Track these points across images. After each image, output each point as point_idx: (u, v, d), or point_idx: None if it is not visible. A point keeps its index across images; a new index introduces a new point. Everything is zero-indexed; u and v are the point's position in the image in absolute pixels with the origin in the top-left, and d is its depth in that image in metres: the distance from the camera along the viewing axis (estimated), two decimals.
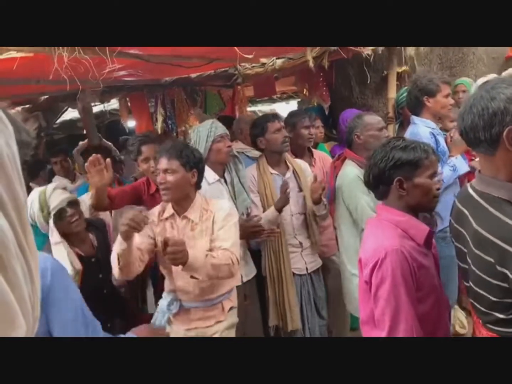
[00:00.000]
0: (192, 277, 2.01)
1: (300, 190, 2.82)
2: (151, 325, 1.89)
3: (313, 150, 3.29)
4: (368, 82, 3.77)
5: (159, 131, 4.68)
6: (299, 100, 6.54)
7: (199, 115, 5.02)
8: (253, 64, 4.02)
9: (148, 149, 2.85)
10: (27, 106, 4.85)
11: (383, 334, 1.45)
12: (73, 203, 2.28)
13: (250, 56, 2.29)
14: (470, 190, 1.36)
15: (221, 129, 2.63)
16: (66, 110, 5.52)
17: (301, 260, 2.83)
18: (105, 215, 2.91)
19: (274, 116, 2.92)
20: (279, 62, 3.85)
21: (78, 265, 2.23)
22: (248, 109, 6.53)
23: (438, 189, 1.61)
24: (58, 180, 4.14)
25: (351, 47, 3.14)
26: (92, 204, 2.57)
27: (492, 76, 3.49)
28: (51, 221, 2.18)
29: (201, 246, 2.06)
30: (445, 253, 2.68)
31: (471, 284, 1.35)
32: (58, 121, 6.09)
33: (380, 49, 3.32)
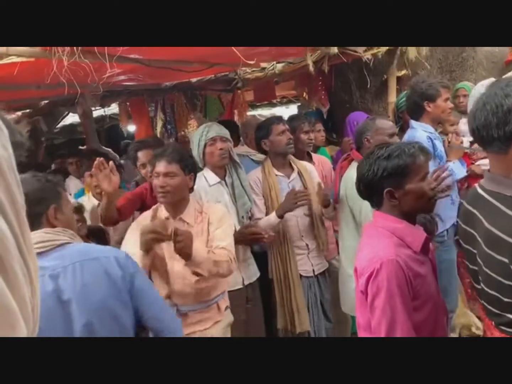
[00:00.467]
0: (195, 273, 2.00)
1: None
2: None
3: (312, 154, 3.30)
4: (368, 86, 3.78)
5: (159, 136, 4.69)
6: (299, 104, 6.55)
7: (199, 119, 5.03)
8: (253, 69, 4.03)
9: (143, 154, 2.86)
10: (28, 111, 4.86)
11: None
12: (78, 209, 2.29)
13: (251, 62, 2.30)
14: (480, 190, 1.34)
15: (213, 132, 2.60)
16: (66, 115, 5.54)
17: (308, 262, 2.83)
18: None
19: (278, 118, 2.93)
20: (279, 66, 3.86)
21: None
22: (248, 113, 6.54)
23: (434, 188, 1.57)
24: (71, 181, 4.16)
25: (351, 52, 3.14)
26: (101, 218, 2.50)
27: (491, 80, 3.50)
28: None
29: (196, 248, 2.05)
30: (443, 257, 2.69)
31: (483, 285, 1.33)
32: (58, 125, 6.10)
33: (380, 53, 3.32)
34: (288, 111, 7.51)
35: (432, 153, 1.60)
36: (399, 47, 3.43)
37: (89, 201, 3.11)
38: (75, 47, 1.78)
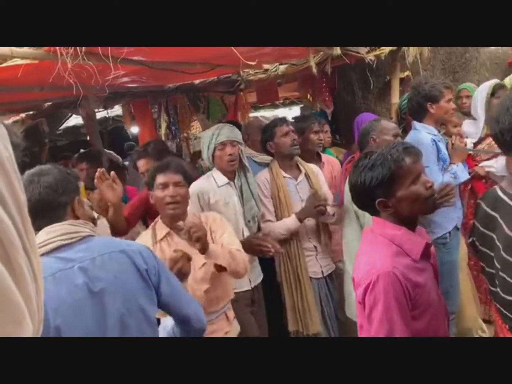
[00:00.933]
0: (216, 266, 1.98)
1: None
2: None
3: (322, 154, 3.30)
4: (371, 87, 3.78)
5: (163, 137, 4.69)
6: (302, 105, 6.55)
7: (202, 121, 5.04)
8: (256, 70, 4.03)
9: (143, 164, 2.86)
10: (31, 112, 4.87)
11: None
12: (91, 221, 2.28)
13: (253, 63, 2.30)
14: (500, 193, 1.32)
15: (223, 136, 2.56)
16: (70, 116, 5.55)
17: (317, 264, 2.84)
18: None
19: (282, 120, 2.93)
20: (281, 68, 3.86)
21: None
22: (251, 114, 6.54)
23: (430, 187, 1.48)
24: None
25: (354, 53, 3.14)
26: (111, 227, 2.48)
27: (494, 81, 3.50)
28: None
29: (200, 259, 2.02)
30: (445, 259, 2.68)
31: (499, 289, 1.32)
32: (61, 127, 6.12)
33: (383, 54, 3.32)
34: (291, 112, 7.52)
35: (420, 152, 1.52)
36: (402, 49, 3.42)
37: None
38: (78, 50, 1.79)
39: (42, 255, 1.28)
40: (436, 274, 1.61)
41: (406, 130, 3.45)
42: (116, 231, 2.50)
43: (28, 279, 0.40)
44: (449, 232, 2.75)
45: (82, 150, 4.57)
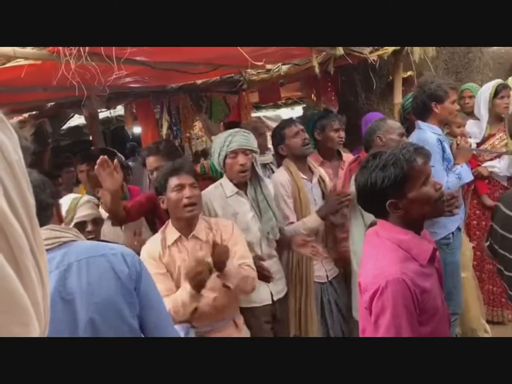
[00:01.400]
0: (224, 285, 1.94)
1: (324, 197, 2.80)
2: None
3: (343, 152, 3.26)
4: (374, 87, 3.77)
5: (164, 137, 4.70)
6: (304, 105, 6.55)
7: (204, 121, 5.05)
8: (258, 70, 4.03)
9: (152, 161, 2.80)
10: (34, 112, 4.89)
11: None
12: (97, 222, 2.26)
13: (260, 63, 2.29)
14: None
15: (235, 143, 2.38)
16: (72, 116, 5.56)
17: (322, 268, 2.80)
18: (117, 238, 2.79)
19: (290, 121, 2.89)
20: (284, 68, 3.86)
21: None
22: (253, 114, 6.54)
23: (439, 189, 1.48)
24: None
25: (356, 53, 3.14)
26: (110, 215, 2.44)
27: (497, 81, 3.49)
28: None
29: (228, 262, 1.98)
30: (448, 260, 2.67)
31: None
32: (64, 127, 6.13)
33: (386, 54, 3.32)
34: (293, 112, 7.51)
35: (430, 153, 1.51)
36: (405, 48, 3.42)
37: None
38: (82, 50, 1.79)
39: None
40: (440, 278, 1.59)
41: (409, 130, 3.44)
42: (115, 219, 2.46)
43: (35, 281, 0.40)
44: (452, 233, 2.74)
45: (84, 151, 4.58)
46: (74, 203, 2.21)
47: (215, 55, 2.60)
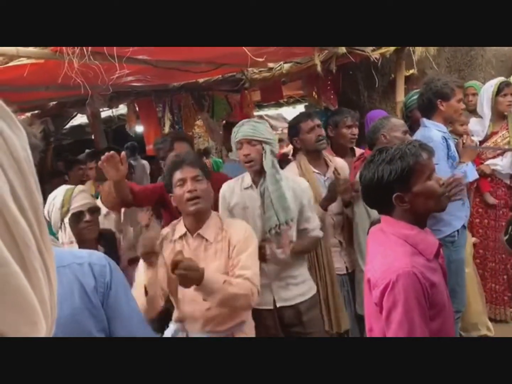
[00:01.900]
0: (205, 299, 1.83)
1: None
2: None
3: (356, 149, 3.23)
4: (376, 86, 3.76)
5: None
6: (306, 104, 6.55)
7: (206, 120, 5.05)
8: (261, 69, 4.03)
9: (180, 146, 2.73)
10: (36, 111, 4.90)
11: None
12: (94, 210, 2.25)
13: (261, 60, 2.28)
14: None
15: (240, 134, 2.31)
16: (75, 115, 5.57)
17: (341, 260, 2.79)
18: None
19: (307, 115, 2.85)
20: (286, 66, 3.86)
21: None
22: (255, 113, 6.54)
23: (442, 184, 1.51)
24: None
25: (359, 51, 3.14)
26: (114, 199, 2.43)
27: (500, 79, 3.48)
28: (66, 219, 2.14)
29: (212, 269, 1.86)
30: (453, 257, 2.67)
31: None
32: (66, 126, 6.15)
33: (388, 53, 3.31)
34: (295, 111, 7.51)
35: (433, 150, 1.54)
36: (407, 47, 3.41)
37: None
38: (84, 49, 1.79)
39: None
40: (444, 274, 1.59)
41: (411, 128, 3.44)
42: (123, 202, 2.48)
43: (42, 281, 0.40)
44: (457, 231, 2.73)
45: (88, 150, 4.59)
46: (69, 193, 2.17)
47: (217, 54, 2.60)
